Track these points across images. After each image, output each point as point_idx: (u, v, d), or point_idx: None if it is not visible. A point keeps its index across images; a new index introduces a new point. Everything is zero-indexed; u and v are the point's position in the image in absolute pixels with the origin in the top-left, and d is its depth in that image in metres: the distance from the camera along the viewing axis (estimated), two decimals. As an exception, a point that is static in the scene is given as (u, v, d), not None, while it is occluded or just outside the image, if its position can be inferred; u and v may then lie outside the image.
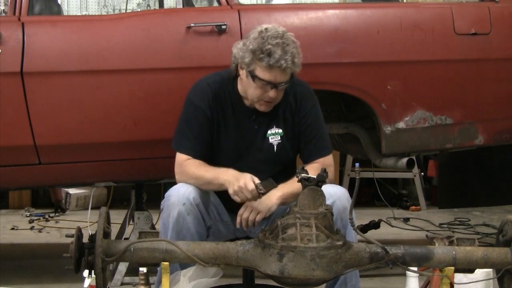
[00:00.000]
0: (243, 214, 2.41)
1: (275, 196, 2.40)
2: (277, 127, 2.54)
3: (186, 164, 2.47)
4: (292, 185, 2.38)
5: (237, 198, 2.35)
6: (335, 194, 2.36)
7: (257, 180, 2.33)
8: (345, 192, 2.40)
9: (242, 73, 2.46)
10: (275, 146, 2.54)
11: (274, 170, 2.52)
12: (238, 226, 2.44)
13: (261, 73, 2.39)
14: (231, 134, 2.53)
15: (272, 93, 2.41)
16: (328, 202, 2.27)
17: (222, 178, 2.38)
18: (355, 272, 2.37)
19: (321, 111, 2.61)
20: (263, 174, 2.44)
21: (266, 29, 2.41)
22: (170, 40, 3.00)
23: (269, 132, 2.54)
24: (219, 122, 2.52)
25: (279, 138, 2.54)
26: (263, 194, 2.34)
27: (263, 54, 2.36)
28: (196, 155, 2.48)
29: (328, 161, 2.53)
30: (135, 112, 2.98)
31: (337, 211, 2.32)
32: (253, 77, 2.40)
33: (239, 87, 2.53)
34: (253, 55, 2.38)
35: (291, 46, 2.38)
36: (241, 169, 2.40)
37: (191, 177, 2.44)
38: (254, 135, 2.54)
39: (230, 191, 2.35)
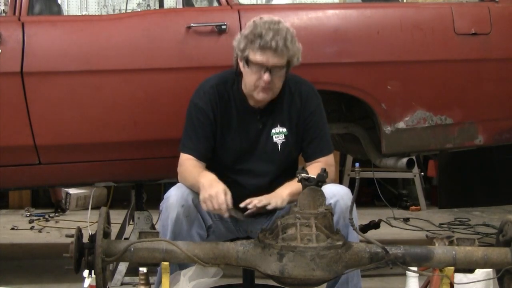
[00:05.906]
0: (254, 199, 2.33)
1: (285, 192, 2.38)
2: (282, 126, 2.54)
3: (184, 165, 2.47)
4: (296, 185, 2.35)
5: (204, 206, 2.29)
6: (338, 193, 2.36)
7: (229, 195, 2.27)
8: (348, 192, 2.39)
9: (241, 64, 2.45)
10: (279, 145, 2.53)
11: (278, 169, 2.52)
12: (242, 205, 2.32)
13: (253, 56, 2.38)
14: (236, 134, 2.52)
15: (266, 76, 2.38)
16: (331, 201, 2.29)
17: (200, 182, 2.34)
18: (356, 272, 2.37)
19: (324, 110, 2.61)
20: (267, 174, 2.46)
21: (261, 17, 2.43)
22: (170, 40, 3.00)
23: (273, 131, 2.53)
24: (223, 123, 2.51)
25: (283, 137, 2.53)
26: (233, 213, 2.28)
27: (255, 36, 2.36)
28: (198, 155, 2.48)
29: (329, 160, 2.54)
30: (135, 112, 2.98)
31: (340, 210, 2.32)
32: (247, 62, 2.40)
33: (243, 85, 2.52)
34: (246, 40, 2.39)
35: (283, 31, 2.37)
36: (246, 169, 2.38)
37: (184, 180, 2.45)
38: (259, 135, 2.53)
39: (200, 197, 2.30)
